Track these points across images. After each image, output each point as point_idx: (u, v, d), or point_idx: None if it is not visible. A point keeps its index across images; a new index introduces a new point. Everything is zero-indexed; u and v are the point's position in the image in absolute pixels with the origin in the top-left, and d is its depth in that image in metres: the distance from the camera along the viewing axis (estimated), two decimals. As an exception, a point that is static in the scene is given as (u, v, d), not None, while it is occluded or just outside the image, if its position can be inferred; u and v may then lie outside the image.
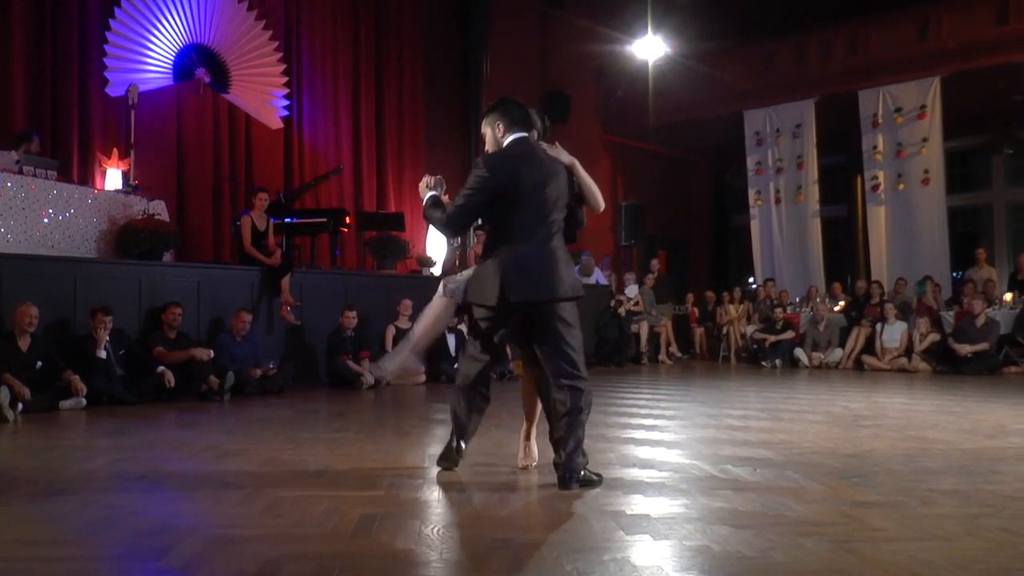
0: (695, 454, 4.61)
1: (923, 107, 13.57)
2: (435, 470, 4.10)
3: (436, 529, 3.05)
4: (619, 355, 12.60)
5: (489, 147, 3.99)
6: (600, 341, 12.59)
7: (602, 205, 4.08)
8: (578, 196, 4.00)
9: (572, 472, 3.70)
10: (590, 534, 2.95)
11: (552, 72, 16.46)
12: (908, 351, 11.45)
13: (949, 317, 11.74)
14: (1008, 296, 12.24)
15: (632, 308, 13.15)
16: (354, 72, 13.63)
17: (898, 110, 13.67)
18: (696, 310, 14.85)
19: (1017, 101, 13.12)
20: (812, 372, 11.53)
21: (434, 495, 3.62)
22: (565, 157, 3.98)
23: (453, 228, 3.98)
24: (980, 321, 10.98)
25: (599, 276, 13.80)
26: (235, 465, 4.32)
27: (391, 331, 9.78)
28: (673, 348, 13.84)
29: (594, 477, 3.79)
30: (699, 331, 14.63)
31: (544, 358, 3.82)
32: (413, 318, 9.83)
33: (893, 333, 11.58)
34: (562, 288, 3.79)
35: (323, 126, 13.16)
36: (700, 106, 15.78)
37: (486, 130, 4.00)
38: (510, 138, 3.91)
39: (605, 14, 15.55)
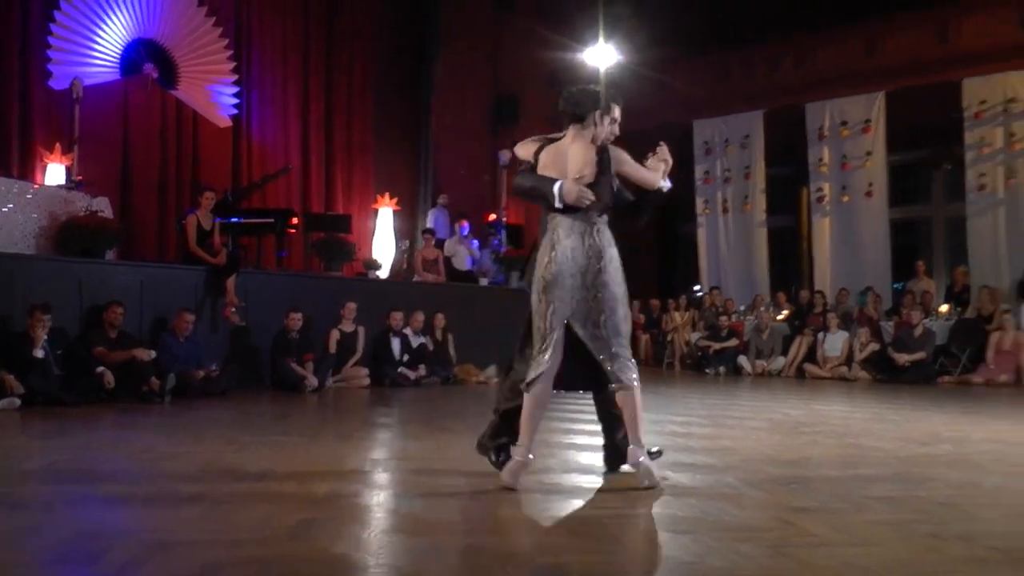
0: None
1: (868, 121, 13.88)
2: (376, 474, 4.09)
3: (374, 534, 3.04)
4: (563, 363, 12.62)
5: (606, 134, 3.94)
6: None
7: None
8: None
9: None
10: (528, 539, 2.97)
11: (503, 76, 16.49)
12: (848, 360, 11.69)
13: (888, 327, 12.01)
14: (944, 308, 12.58)
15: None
16: (304, 72, 13.52)
17: (843, 123, 13.96)
18: (642, 317, 14.99)
19: (956, 118, 13.48)
20: (755, 379, 11.70)
21: (374, 500, 3.60)
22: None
23: None
24: (918, 331, 11.26)
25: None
26: (173, 468, 4.25)
27: (335, 335, 9.73)
28: (618, 355, 13.88)
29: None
30: (644, 338, 14.76)
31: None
32: (357, 321, 9.85)
33: (834, 342, 11.81)
34: None
35: (272, 126, 13.03)
36: (650, 115, 15.86)
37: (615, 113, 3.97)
38: None
39: (557, 20, 15.62)
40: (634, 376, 3.74)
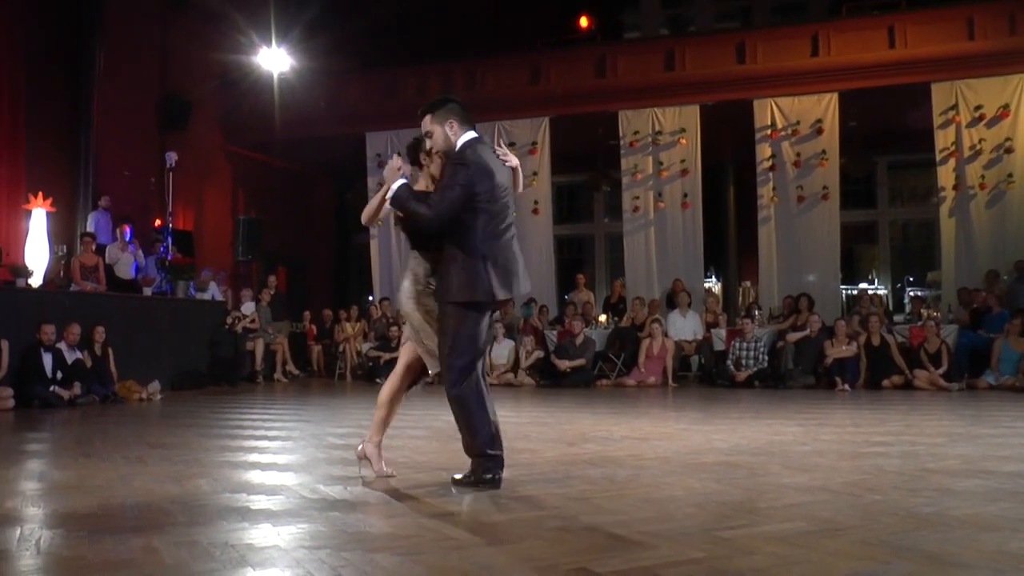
0: (291, 476, 4.52)
1: (534, 143, 14.72)
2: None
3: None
4: (233, 374, 12.18)
5: (440, 145, 4.07)
6: (214, 359, 12.07)
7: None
8: None
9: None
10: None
11: (173, 75, 15.53)
12: (515, 367, 12.31)
13: (552, 336, 12.81)
14: (603, 317, 13.69)
15: (248, 325, 12.80)
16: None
17: (512, 144, 14.64)
18: (314, 327, 14.82)
19: (614, 145, 14.72)
20: (425, 387, 11.88)
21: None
22: (514, 160, 4.22)
23: (442, 223, 3.96)
24: (579, 339, 12.12)
25: (215, 292, 13.25)
26: None
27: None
28: (289, 366, 13.70)
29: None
30: (316, 348, 14.63)
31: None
32: (-1, 335, 8.79)
33: (501, 351, 12.37)
34: (528, 284, 4.18)
35: None
36: (324, 124, 15.77)
37: (435, 127, 4.06)
38: (464, 136, 4.03)
39: (231, 21, 14.99)
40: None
